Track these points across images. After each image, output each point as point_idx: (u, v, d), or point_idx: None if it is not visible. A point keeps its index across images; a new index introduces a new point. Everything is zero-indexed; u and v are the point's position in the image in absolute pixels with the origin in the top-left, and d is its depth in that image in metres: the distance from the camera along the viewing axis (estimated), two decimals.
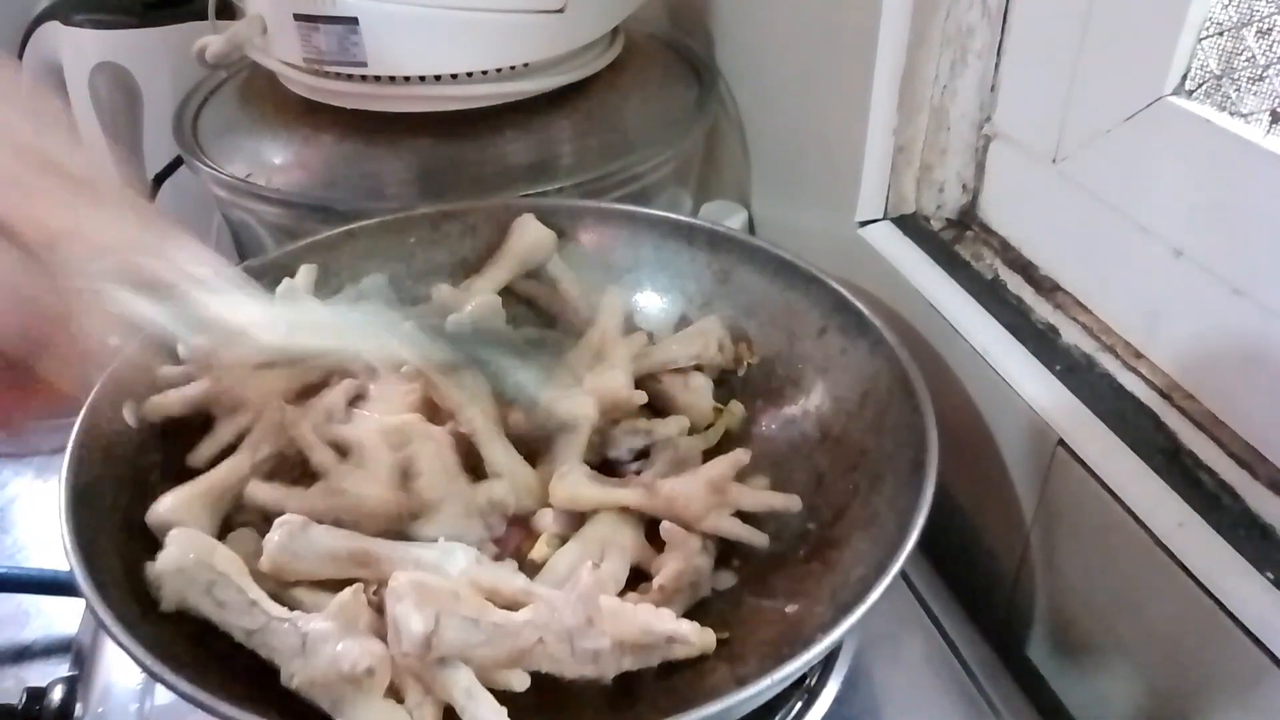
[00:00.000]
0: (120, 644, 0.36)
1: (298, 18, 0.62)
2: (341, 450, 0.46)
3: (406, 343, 0.42)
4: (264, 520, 0.44)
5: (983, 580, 0.54)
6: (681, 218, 0.60)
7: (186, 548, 0.40)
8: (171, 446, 0.49)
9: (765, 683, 0.35)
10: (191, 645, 0.40)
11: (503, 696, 0.38)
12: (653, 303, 0.60)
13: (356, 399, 0.49)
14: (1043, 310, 0.52)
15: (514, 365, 0.45)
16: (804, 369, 0.54)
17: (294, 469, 0.47)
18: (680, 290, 0.59)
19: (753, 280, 0.56)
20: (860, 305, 0.51)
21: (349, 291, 0.57)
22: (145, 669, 0.36)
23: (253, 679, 0.39)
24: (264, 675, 0.39)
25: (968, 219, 0.59)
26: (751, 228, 0.77)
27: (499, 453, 0.47)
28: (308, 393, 0.49)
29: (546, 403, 0.46)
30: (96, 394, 0.46)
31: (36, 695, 0.48)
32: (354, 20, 0.60)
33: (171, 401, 0.48)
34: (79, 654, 0.52)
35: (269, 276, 0.55)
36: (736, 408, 0.55)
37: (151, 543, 0.43)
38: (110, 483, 0.45)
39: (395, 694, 0.39)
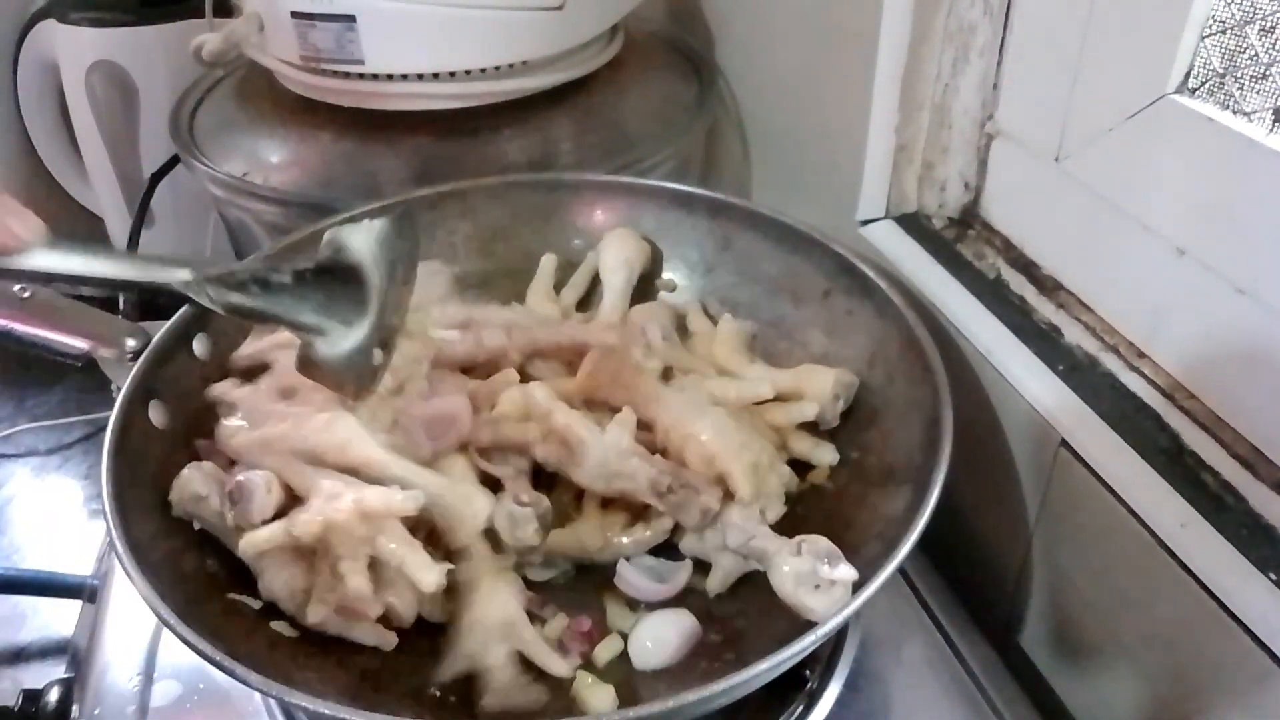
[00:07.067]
0: (181, 637, 0.37)
1: (295, 15, 0.61)
2: None
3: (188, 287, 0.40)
4: None
5: (984, 581, 0.53)
6: (680, 187, 0.60)
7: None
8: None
9: (792, 649, 0.36)
10: (244, 635, 0.41)
11: None
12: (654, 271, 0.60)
13: None
14: (1045, 310, 0.51)
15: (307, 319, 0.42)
16: (810, 332, 0.54)
17: None
18: (681, 258, 0.59)
19: (754, 245, 0.57)
20: (864, 268, 0.51)
21: None
22: (207, 658, 0.36)
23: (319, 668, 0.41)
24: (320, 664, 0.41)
25: (970, 218, 0.59)
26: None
27: None
28: None
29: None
30: (125, 397, 0.46)
31: (33, 697, 0.48)
32: (351, 18, 0.60)
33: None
34: (75, 656, 0.52)
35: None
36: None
37: (189, 540, 0.44)
38: (146, 483, 0.45)
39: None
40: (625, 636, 0.45)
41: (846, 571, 0.40)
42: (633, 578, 0.46)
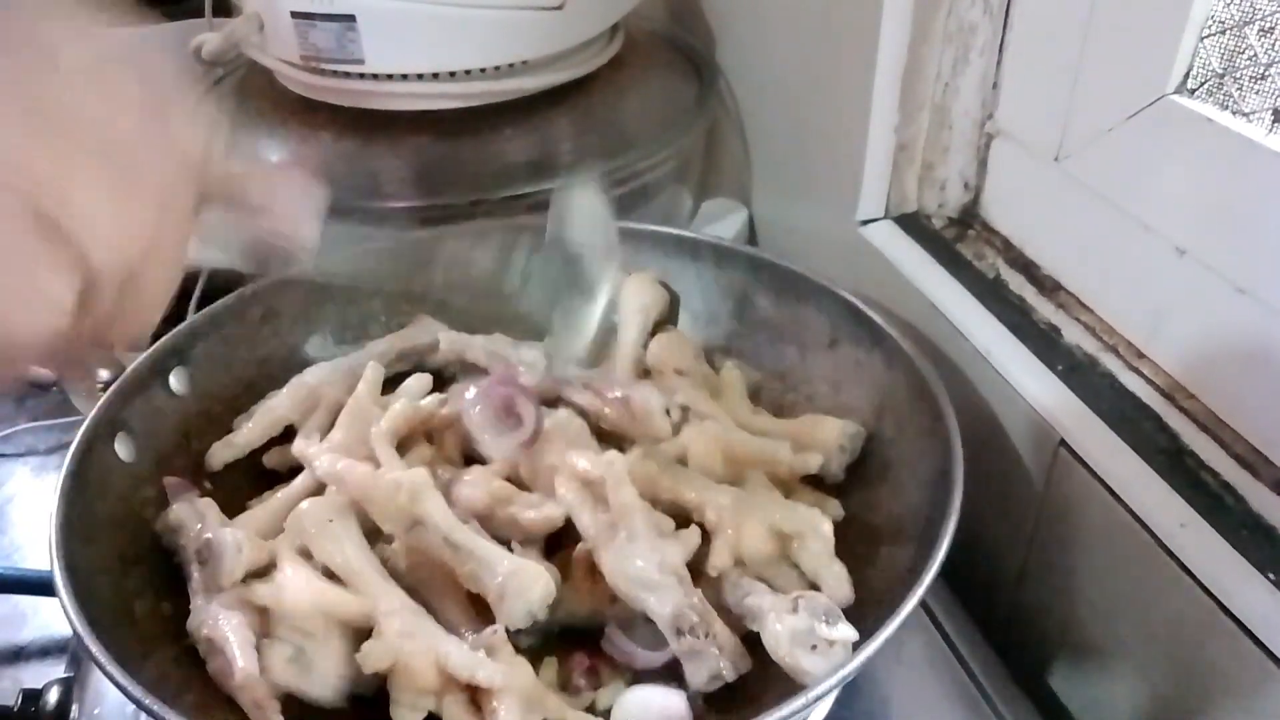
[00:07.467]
0: (118, 684, 0.36)
1: (295, 15, 0.61)
2: None
3: None
4: None
5: (985, 581, 0.53)
6: (686, 233, 0.59)
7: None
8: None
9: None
10: (186, 680, 0.40)
11: None
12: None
13: None
14: (1045, 310, 0.51)
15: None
16: (816, 383, 0.53)
17: None
18: (686, 305, 0.59)
19: (759, 294, 0.56)
20: (873, 315, 0.50)
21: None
22: (143, 708, 0.35)
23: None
24: None
25: (969, 218, 0.59)
26: (752, 226, 0.77)
27: None
28: None
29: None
30: (88, 428, 0.45)
31: (32, 696, 0.48)
32: (351, 17, 0.60)
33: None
34: (75, 655, 0.52)
35: (259, 306, 0.55)
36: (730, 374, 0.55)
37: (146, 580, 0.44)
38: (104, 518, 0.44)
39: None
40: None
41: (846, 631, 0.38)
42: (622, 643, 0.43)
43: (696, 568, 0.44)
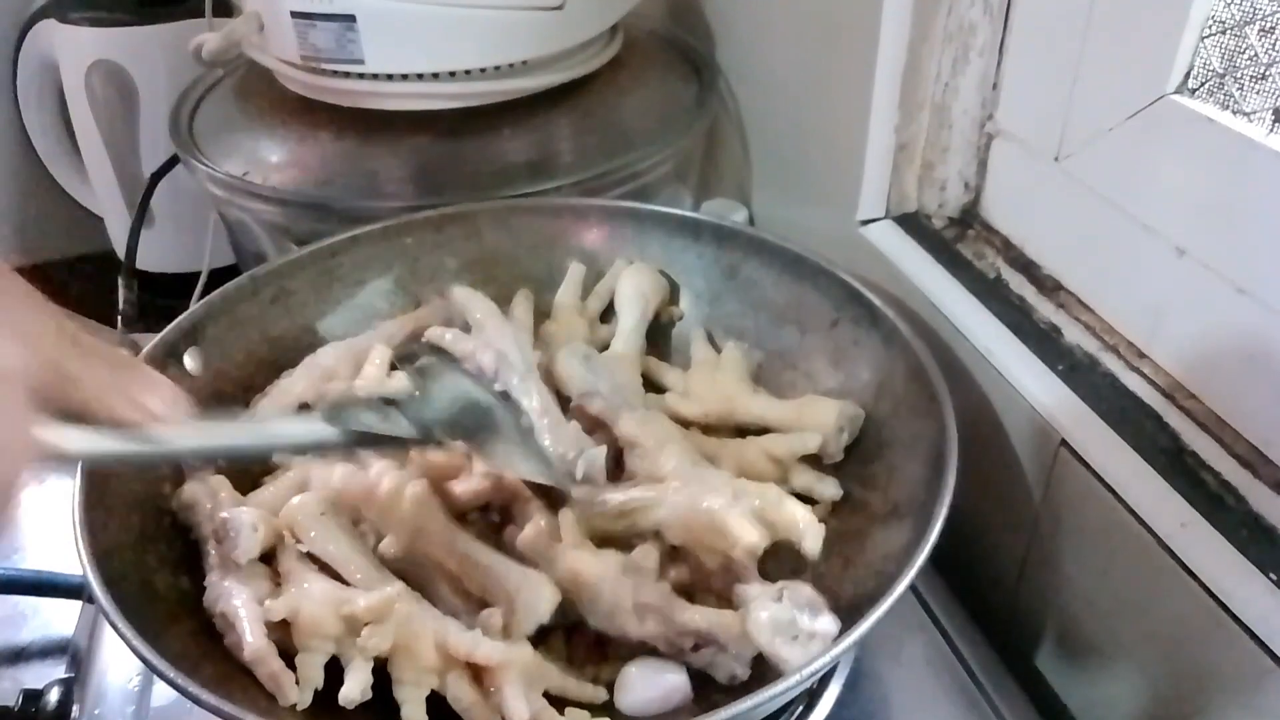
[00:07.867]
0: (145, 660, 0.37)
1: (294, 15, 0.61)
2: None
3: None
4: None
5: (985, 581, 0.53)
6: (687, 213, 0.60)
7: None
8: None
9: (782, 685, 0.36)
10: (206, 653, 0.40)
11: None
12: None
13: None
14: (1045, 309, 0.51)
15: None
16: (816, 363, 0.54)
17: None
18: (687, 285, 0.59)
19: (760, 274, 0.56)
20: (872, 297, 0.51)
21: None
22: (169, 682, 0.36)
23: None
24: None
25: (970, 217, 0.59)
26: (752, 226, 0.77)
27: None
28: None
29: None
30: None
31: (33, 697, 0.48)
32: (351, 17, 0.60)
33: None
34: (76, 656, 0.52)
35: (272, 287, 0.55)
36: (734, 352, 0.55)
37: (164, 556, 0.44)
38: (123, 497, 0.44)
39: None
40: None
41: (827, 624, 0.39)
42: None
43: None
